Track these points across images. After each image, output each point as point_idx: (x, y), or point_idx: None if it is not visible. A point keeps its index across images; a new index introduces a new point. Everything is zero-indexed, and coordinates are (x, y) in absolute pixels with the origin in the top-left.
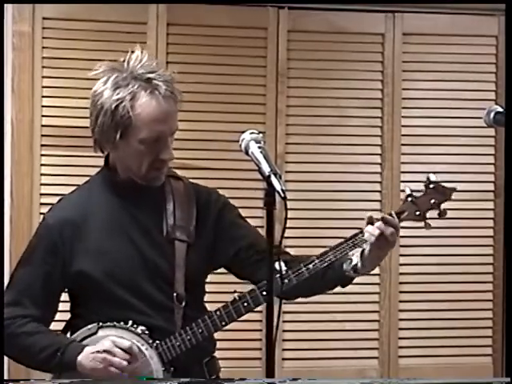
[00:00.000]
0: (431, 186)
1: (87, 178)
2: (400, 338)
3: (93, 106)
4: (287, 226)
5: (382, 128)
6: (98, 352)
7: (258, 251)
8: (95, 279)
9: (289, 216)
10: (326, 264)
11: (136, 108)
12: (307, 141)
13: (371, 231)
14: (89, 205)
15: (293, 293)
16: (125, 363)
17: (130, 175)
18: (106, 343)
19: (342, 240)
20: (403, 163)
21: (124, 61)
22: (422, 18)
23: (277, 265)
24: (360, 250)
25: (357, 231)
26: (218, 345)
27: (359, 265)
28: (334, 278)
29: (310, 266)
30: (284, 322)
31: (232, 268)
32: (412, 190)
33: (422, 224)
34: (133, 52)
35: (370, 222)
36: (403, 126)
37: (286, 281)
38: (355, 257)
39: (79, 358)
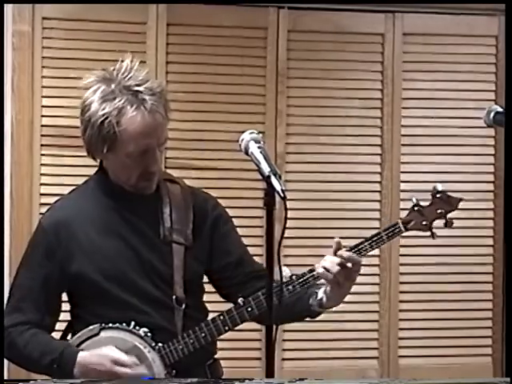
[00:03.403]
0: (438, 195)
1: (87, 178)
2: (400, 338)
3: (81, 116)
4: (287, 225)
5: (382, 128)
6: (99, 372)
7: (243, 273)
8: (93, 281)
9: (288, 216)
10: (292, 292)
11: (121, 124)
12: (307, 141)
13: (328, 267)
14: (83, 206)
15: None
16: (128, 372)
17: (121, 184)
18: (107, 364)
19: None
20: (403, 163)
21: (113, 70)
22: (422, 18)
23: (278, 273)
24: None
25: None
26: (218, 345)
27: (324, 299)
28: (302, 311)
29: (314, 272)
30: None
31: (214, 279)
32: (418, 200)
33: (427, 233)
34: (123, 60)
35: (337, 249)
36: (403, 126)
37: (291, 287)
38: (321, 291)
39: (75, 370)
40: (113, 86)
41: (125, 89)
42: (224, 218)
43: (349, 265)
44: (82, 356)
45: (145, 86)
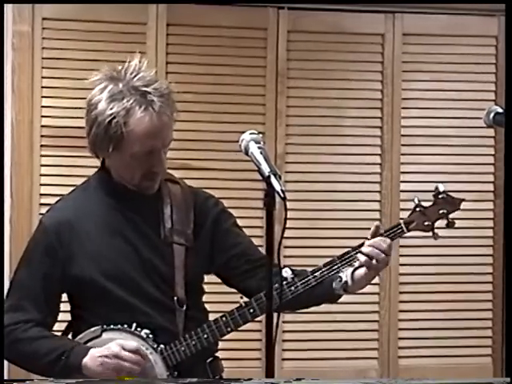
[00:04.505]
0: (440, 196)
1: (87, 177)
2: (400, 339)
3: (87, 115)
4: (287, 226)
5: (382, 128)
6: (106, 357)
7: (250, 261)
8: (94, 282)
9: (288, 216)
10: (334, 272)
11: (129, 124)
12: (307, 141)
13: (368, 252)
14: (85, 206)
15: (282, 306)
16: (136, 367)
17: (124, 183)
18: (114, 348)
19: (343, 253)
20: (403, 164)
21: (121, 69)
22: (422, 19)
23: (283, 272)
24: (351, 268)
25: (352, 248)
26: (219, 344)
27: (349, 283)
28: (323, 295)
29: (317, 273)
30: (284, 322)
31: (222, 276)
32: (420, 200)
33: (429, 234)
34: (131, 60)
35: (376, 232)
36: (403, 126)
37: (293, 288)
38: (345, 275)
39: (84, 360)
40: (121, 85)
41: (133, 89)
42: (226, 214)
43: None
44: (94, 350)
45: (153, 86)
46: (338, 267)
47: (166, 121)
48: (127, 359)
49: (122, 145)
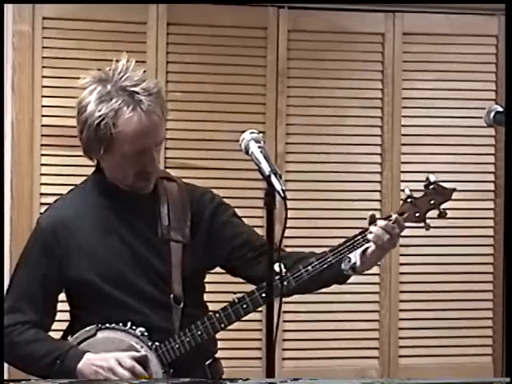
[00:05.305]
0: (431, 186)
1: (85, 178)
2: (400, 338)
3: (78, 117)
4: (287, 225)
5: (382, 128)
6: (101, 368)
7: (253, 248)
8: (91, 281)
9: (289, 216)
10: (326, 265)
11: (118, 125)
12: (307, 140)
13: (378, 233)
14: (81, 207)
15: (289, 291)
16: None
17: (117, 183)
18: (111, 362)
19: (344, 240)
20: (403, 163)
21: (110, 70)
22: (422, 18)
23: (276, 267)
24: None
25: (358, 231)
26: (218, 344)
27: (358, 264)
28: (332, 277)
29: (309, 267)
30: (284, 321)
31: (227, 267)
32: (411, 191)
33: (421, 225)
34: (118, 60)
35: (373, 220)
36: (403, 125)
37: (285, 283)
38: (353, 256)
39: (79, 365)
40: (109, 86)
41: (121, 90)
42: (223, 207)
43: (396, 230)
44: (89, 355)
45: (141, 86)
46: (343, 253)
47: (156, 120)
48: (121, 376)
49: (112, 146)
